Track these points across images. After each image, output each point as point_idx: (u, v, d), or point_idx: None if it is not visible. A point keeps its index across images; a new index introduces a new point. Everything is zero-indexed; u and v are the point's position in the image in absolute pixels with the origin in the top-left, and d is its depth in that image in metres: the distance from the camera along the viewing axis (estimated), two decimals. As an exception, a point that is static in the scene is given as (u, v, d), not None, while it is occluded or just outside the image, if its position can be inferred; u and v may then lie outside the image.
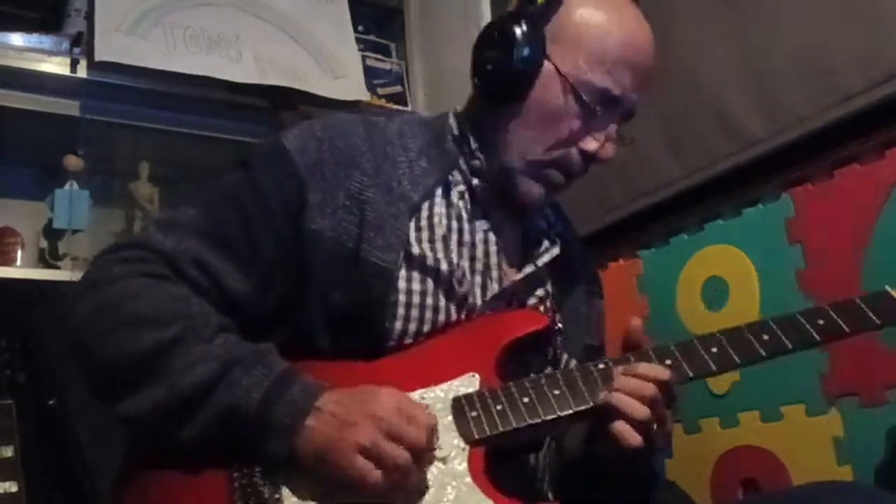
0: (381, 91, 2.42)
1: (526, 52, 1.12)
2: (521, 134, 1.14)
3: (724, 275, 1.70)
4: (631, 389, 0.97)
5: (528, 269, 1.16)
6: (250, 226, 1.07)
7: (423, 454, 0.93)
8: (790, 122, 1.59)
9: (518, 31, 1.13)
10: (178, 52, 2.01)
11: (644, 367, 0.99)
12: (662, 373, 0.99)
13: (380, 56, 2.50)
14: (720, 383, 1.68)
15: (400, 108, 2.37)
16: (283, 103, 2.17)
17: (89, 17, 1.95)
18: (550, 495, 1.17)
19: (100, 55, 1.90)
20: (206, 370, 0.94)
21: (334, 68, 2.26)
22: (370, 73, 2.39)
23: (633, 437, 0.96)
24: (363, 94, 2.28)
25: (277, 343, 1.02)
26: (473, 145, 1.18)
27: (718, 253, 1.73)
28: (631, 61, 1.12)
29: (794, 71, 1.59)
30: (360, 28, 2.47)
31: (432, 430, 0.94)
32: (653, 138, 1.89)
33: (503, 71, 1.14)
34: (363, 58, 2.39)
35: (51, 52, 1.92)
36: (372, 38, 2.53)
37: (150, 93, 2.03)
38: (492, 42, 1.16)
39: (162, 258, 1.03)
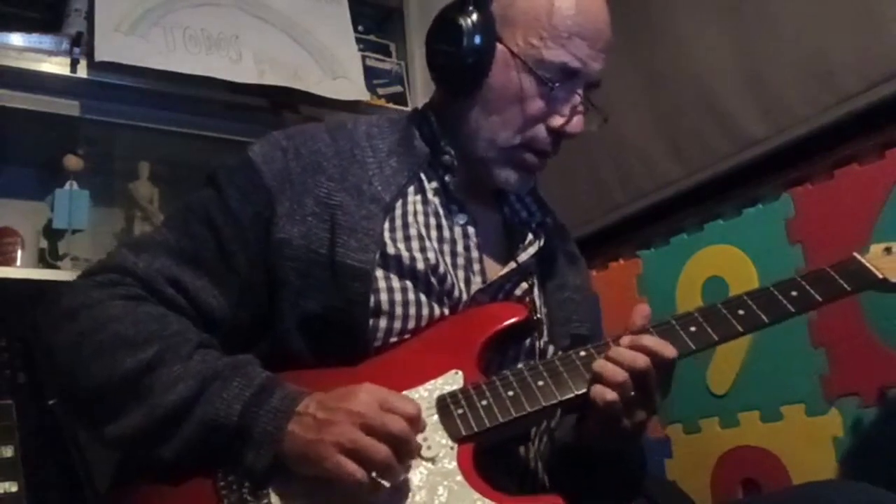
0: (381, 91, 2.41)
1: (476, 39, 1.11)
2: (487, 122, 1.14)
3: (724, 275, 1.70)
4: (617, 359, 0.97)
5: (511, 266, 1.16)
6: (221, 241, 1.08)
7: (407, 446, 0.92)
8: (790, 122, 1.59)
9: (466, 18, 1.12)
10: (178, 52, 2.01)
11: (647, 340, 0.98)
12: (665, 348, 0.98)
13: (380, 56, 2.49)
14: (720, 383, 1.68)
15: (400, 108, 2.37)
16: (283, 103, 2.17)
17: (89, 17, 1.94)
18: (546, 484, 1.16)
19: (100, 55, 1.90)
20: (186, 388, 0.95)
21: (334, 68, 2.26)
22: (370, 73, 2.38)
23: (608, 394, 0.95)
24: (363, 94, 2.28)
25: (259, 355, 1.02)
26: (442, 141, 1.17)
27: (718, 253, 1.73)
28: (583, 31, 1.11)
29: (793, 71, 1.59)
30: (360, 28, 2.46)
31: (414, 420, 0.93)
32: (653, 138, 1.89)
33: (457, 62, 1.13)
34: (363, 58, 2.39)
35: (51, 52, 1.92)
36: (372, 38, 2.53)
37: (150, 93, 2.02)
38: (441, 33, 1.15)
39: (136, 279, 1.04)
